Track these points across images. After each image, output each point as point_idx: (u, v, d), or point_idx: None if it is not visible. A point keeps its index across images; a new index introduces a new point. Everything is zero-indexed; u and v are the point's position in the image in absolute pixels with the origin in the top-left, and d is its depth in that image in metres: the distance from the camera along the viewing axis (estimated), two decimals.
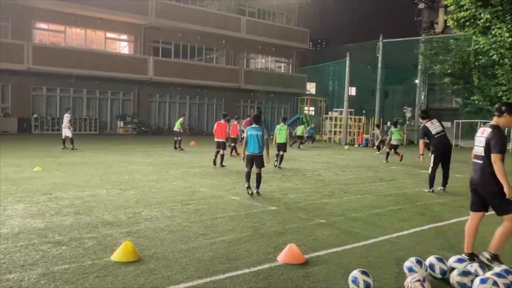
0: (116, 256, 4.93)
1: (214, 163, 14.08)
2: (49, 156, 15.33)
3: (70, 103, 30.78)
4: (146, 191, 9.23)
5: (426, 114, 10.80)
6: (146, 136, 30.06)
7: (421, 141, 10.75)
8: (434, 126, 10.43)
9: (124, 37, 33.64)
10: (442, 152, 10.44)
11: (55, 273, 4.51)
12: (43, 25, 29.94)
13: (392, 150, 18.72)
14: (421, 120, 10.90)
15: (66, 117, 18.48)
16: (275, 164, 14.32)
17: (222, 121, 14.69)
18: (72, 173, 11.49)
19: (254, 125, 9.31)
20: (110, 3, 29.66)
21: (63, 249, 5.24)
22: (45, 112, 29.83)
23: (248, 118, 22.84)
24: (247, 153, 9.20)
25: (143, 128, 33.00)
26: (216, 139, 14.42)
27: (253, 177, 9.23)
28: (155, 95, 34.56)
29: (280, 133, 14.68)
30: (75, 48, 30.01)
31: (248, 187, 9.20)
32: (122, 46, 34.27)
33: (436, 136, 10.37)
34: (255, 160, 9.15)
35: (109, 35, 32.55)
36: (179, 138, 20.10)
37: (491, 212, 8.46)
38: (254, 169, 9.20)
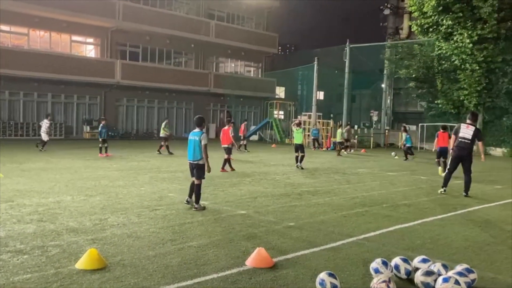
0: (81, 264, 4.81)
1: (232, 168, 14.48)
2: (12, 162, 14.85)
3: (34, 107, 29.94)
4: (112, 197, 9.06)
5: (472, 116, 10.73)
6: (113, 141, 29.48)
7: (452, 137, 10.83)
8: (465, 131, 10.42)
9: (91, 40, 32.99)
10: (457, 156, 10.52)
11: (16, 283, 4.36)
12: (5, 27, 28.99)
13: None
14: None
15: (46, 123, 19.84)
16: (298, 166, 15.91)
17: (226, 126, 15.10)
18: (36, 179, 11.17)
19: (195, 129, 8.27)
20: (76, 6, 29.01)
21: (24, 258, 5.08)
22: (7, 117, 28.88)
23: (245, 122, 24.37)
24: (188, 161, 8.34)
25: (110, 133, 32.33)
26: (222, 146, 14.91)
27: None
28: (123, 99, 34.02)
29: (297, 135, 16.36)
30: (39, 51, 29.21)
31: (187, 202, 8.23)
32: (88, 49, 33.59)
33: (459, 139, 10.46)
34: (195, 169, 8.18)
35: (74, 38, 31.85)
36: (166, 143, 20.12)
37: (455, 212, 8.73)
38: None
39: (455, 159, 10.62)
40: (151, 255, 5.34)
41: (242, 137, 24.53)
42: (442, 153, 15.70)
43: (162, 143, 20.17)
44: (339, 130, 25.11)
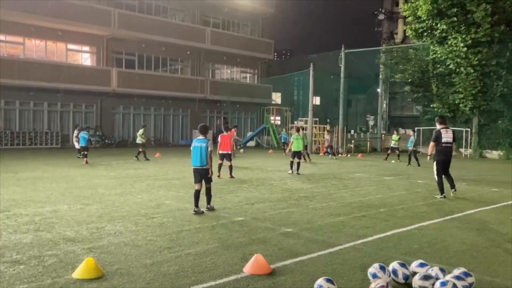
0: (78, 273, 4.79)
1: (219, 176, 14.07)
2: (7, 171, 14.79)
3: (30, 116, 29.89)
4: (109, 205, 9.03)
5: (444, 120, 11.33)
6: (110, 149, 29.47)
7: (432, 144, 11.08)
8: (446, 135, 10.90)
9: (86, 48, 33.01)
10: (444, 160, 10.92)
11: None
12: (0, 37, 28.98)
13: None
14: (437, 124, 11.22)
15: (75, 133, 21.31)
16: (291, 172, 15.86)
17: (225, 133, 14.97)
18: (32, 189, 11.13)
19: (200, 137, 8.60)
20: (71, 14, 29.04)
21: (21, 268, 5.05)
22: (3, 126, 28.79)
23: (235, 128, 25.08)
24: (192, 167, 8.59)
25: (106, 141, 32.33)
26: (220, 152, 14.58)
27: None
28: (119, 107, 33.99)
29: (297, 142, 16.07)
30: (35, 60, 29.19)
31: (195, 212, 8.33)
32: (84, 57, 33.59)
33: (443, 145, 10.85)
34: (201, 175, 8.48)
35: (70, 46, 31.83)
36: (144, 149, 20.63)
37: (452, 216, 8.74)
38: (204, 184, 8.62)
39: (443, 163, 10.99)
40: (149, 264, 5.32)
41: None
42: None
43: (140, 149, 20.65)
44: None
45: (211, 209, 8.63)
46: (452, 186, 11.03)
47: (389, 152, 24.19)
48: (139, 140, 20.95)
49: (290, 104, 43.71)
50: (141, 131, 21.24)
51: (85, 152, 18.67)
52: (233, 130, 25.97)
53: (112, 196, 10.18)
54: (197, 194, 8.48)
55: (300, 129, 17.40)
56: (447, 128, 11.10)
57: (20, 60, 28.78)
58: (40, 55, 30.27)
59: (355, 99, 50.28)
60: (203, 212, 8.45)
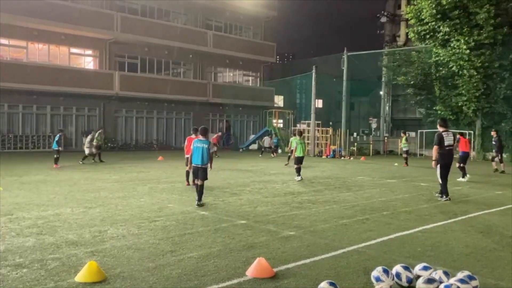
0: (81, 277, 4.79)
1: (188, 183, 12.70)
2: (11, 175, 14.82)
3: (33, 120, 29.96)
4: (112, 209, 9.03)
5: (445, 123, 11.23)
6: (112, 152, 29.49)
7: (436, 148, 10.82)
8: (448, 138, 10.87)
9: (89, 52, 33.08)
10: (447, 164, 10.88)
11: None
12: (4, 41, 29.09)
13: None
14: (438, 127, 11.14)
15: (88, 137, 21.00)
16: (300, 178, 14.77)
17: (193, 135, 14.36)
18: (36, 192, 11.14)
19: (201, 138, 9.51)
20: (74, 18, 29.13)
21: (24, 272, 5.05)
22: (6, 130, 28.87)
23: (219, 133, 26.00)
24: (192, 165, 9.49)
25: (109, 144, 32.36)
26: (186, 156, 12.64)
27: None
28: (122, 111, 34.01)
29: (301, 146, 15.09)
30: (38, 64, 29.28)
31: (199, 205, 9.40)
32: (87, 61, 33.68)
33: (446, 148, 10.78)
34: (199, 172, 9.39)
35: (73, 50, 31.92)
36: (98, 151, 20.98)
37: (455, 219, 8.71)
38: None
39: (447, 166, 10.94)
40: (151, 267, 5.31)
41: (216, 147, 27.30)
42: (464, 158, 15.97)
43: (94, 151, 20.81)
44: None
45: (201, 205, 9.30)
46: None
47: (405, 155, 23.05)
48: (95, 142, 20.92)
49: (292, 107, 43.73)
50: (97, 133, 21.39)
51: (56, 156, 18.49)
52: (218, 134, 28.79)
53: (115, 200, 10.18)
54: (198, 187, 9.43)
55: (302, 133, 16.83)
56: (448, 131, 11.06)
57: (23, 64, 28.89)
58: (43, 59, 30.36)
59: (357, 101, 50.31)
60: (203, 204, 9.42)
